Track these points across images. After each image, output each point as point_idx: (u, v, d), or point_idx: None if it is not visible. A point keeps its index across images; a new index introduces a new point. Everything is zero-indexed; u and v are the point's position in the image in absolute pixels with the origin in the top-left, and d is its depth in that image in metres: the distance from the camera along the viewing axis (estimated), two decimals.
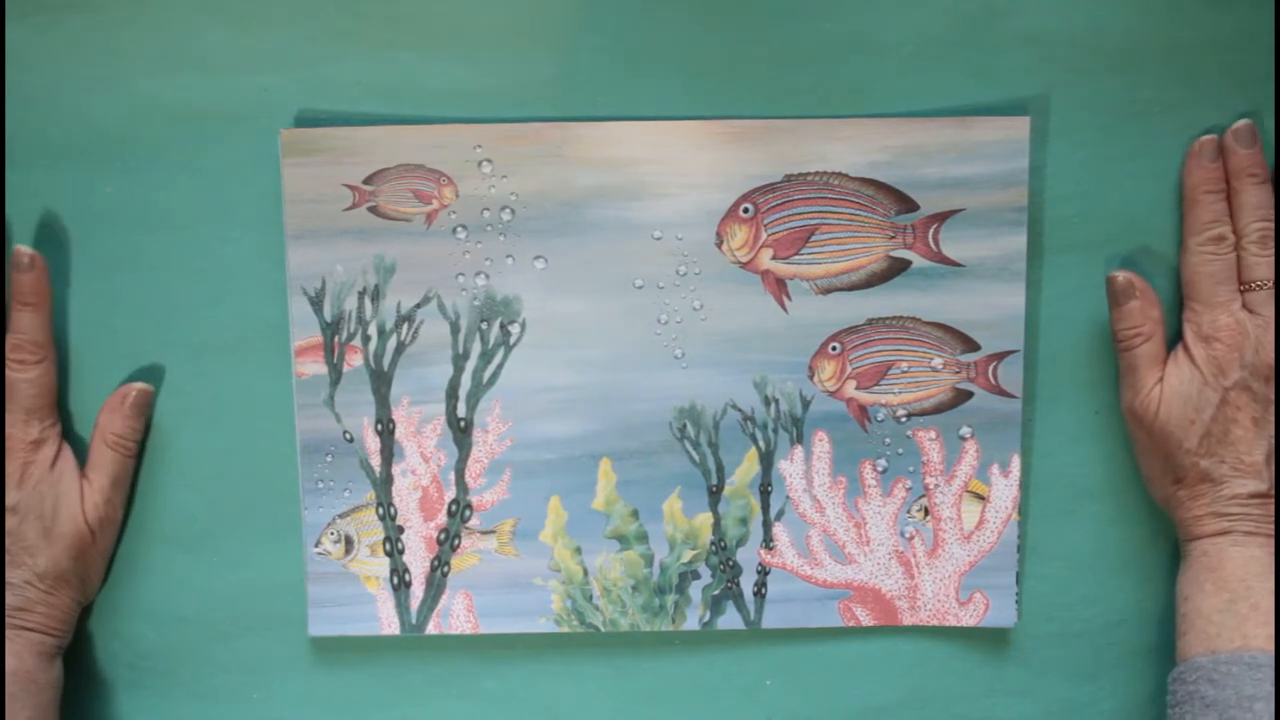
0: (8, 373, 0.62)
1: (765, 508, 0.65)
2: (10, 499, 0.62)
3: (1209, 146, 0.62)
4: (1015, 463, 0.65)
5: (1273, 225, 0.61)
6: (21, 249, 0.61)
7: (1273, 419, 0.61)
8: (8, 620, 0.62)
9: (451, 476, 0.65)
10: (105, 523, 0.63)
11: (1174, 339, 0.63)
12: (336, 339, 0.64)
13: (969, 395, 0.64)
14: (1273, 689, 0.58)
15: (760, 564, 0.66)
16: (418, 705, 0.67)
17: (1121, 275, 0.62)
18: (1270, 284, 0.61)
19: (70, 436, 0.64)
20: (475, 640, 0.66)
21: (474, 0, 0.62)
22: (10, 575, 0.62)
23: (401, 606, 0.66)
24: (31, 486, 0.62)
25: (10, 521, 0.62)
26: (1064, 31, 0.62)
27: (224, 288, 0.64)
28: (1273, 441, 0.61)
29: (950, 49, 0.62)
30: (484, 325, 0.64)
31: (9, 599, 0.62)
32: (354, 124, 0.62)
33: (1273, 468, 0.61)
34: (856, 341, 0.64)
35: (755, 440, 0.65)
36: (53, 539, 0.62)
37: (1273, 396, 0.61)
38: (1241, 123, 0.62)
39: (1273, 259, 0.61)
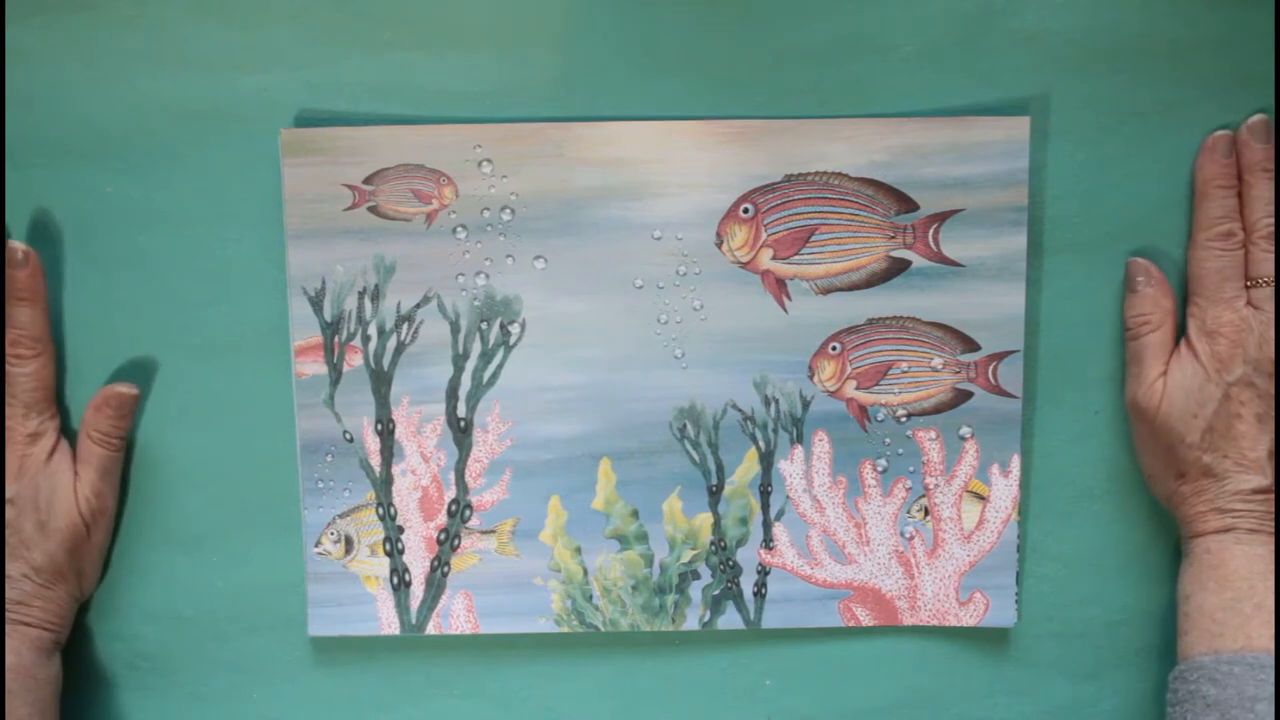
0: (7, 367, 0.62)
1: (765, 508, 0.65)
2: (8, 491, 0.62)
3: (1223, 141, 0.62)
4: (1015, 463, 0.65)
5: None
6: (15, 244, 0.62)
7: (1274, 414, 0.61)
8: (6, 614, 0.62)
9: (451, 476, 0.65)
10: (99, 515, 0.64)
11: (1178, 334, 0.63)
12: (336, 339, 0.64)
13: (969, 395, 0.64)
14: (1274, 690, 0.58)
15: (760, 564, 0.66)
16: (418, 705, 0.67)
17: (1140, 261, 0.62)
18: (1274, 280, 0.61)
19: (69, 434, 0.64)
20: (475, 640, 0.66)
21: (474, 0, 0.62)
22: (8, 568, 0.62)
23: (401, 606, 0.66)
24: (28, 479, 0.62)
25: (8, 514, 0.62)
26: (1064, 31, 0.62)
27: (224, 288, 0.64)
28: (1274, 437, 0.61)
29: (950, 49, 0.62)
30: (484, 325, 0.64)
31: (7, 593, 0.62)
32: (354, 124, 0.62)
33: (1274, 463, 0.61)
34: (856, 341, 0.64)
35: (755, 440, 0.65)
36: (49, 532, 0.62)
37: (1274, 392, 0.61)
38: (1257, 117, 0.61)
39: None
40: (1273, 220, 0.61)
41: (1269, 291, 0.61)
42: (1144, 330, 0.62)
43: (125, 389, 0.63)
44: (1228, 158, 0.62)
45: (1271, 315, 0.61)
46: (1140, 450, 0.64)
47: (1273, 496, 0.61)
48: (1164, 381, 0.62)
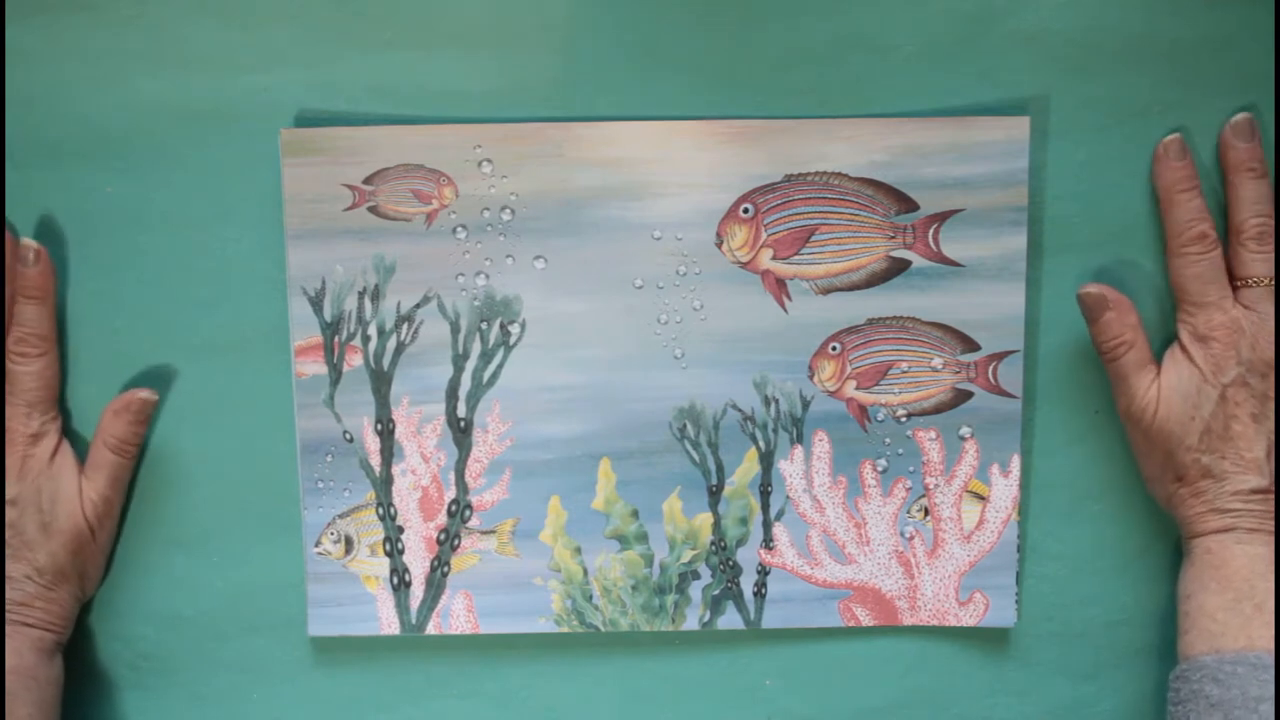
0: (10, 365, 0.62)
1: (765, 508, 0.65)
2: (10, 492, 0.62)
3: (1174, 146, 0.62)
4: (1015, 463, 0.65)
5: (1271, 221, 0.61)
6: (28, 242, 0.62)
7: (1272, 414, 0.61)
8: (7, 615, 0.62)
9: (451, 476, 0.65)
10: (104, 519, 0.63)
11: (1169, 340, 0.63)
12: (336, 339, 0.64)
13: (969, 395, 0.64)
14: (1275, 690, 0.58)
15: (760, 564, 0.66)
16: (418, 705, 0.67)
17: (1092, 289, 0.62)
18: (1269, 280, 0.61)
19: (70, 435, 0.64)
20: (475, 640, 0.66)
21: (474, 0, 0.62)
22: (10, 569, 0.62)
23: (401, 606, 0.66)
24: (30, 480, 0.62)
25: (9, 514, 0.62)
26: (1064, 31, 0.62)
27: (224, 288, 0.64)
28: (1272, 437, 0.61)
29: (950, 49, 0.62)
30: (484, 325, 0.64)
31: (9, 593, 0.62)
32: (354, 124, 0.62)
33: (1273, 463, 0.61)
34: (856, 341, 0.64)
35: (755, 440, 0.65)
36: (51, 534, 0.62)
37: (1271, 393, 0.61)
38: (1240, 116, 0.61)
39: (1271, 255, 0.61)
40: (1261, 221, 0.61)
41: (1260, 291, 0.61)
42: (1121, 351, 0.62)
43: (145, 394, 0.63)
44: (1181, 160, 0.61)
45: (1264, 315, 0.61)
46: (1138, 455, 0.64)
47: (1272, 496, 0.61)
48: (1158, 387, 0.62)
